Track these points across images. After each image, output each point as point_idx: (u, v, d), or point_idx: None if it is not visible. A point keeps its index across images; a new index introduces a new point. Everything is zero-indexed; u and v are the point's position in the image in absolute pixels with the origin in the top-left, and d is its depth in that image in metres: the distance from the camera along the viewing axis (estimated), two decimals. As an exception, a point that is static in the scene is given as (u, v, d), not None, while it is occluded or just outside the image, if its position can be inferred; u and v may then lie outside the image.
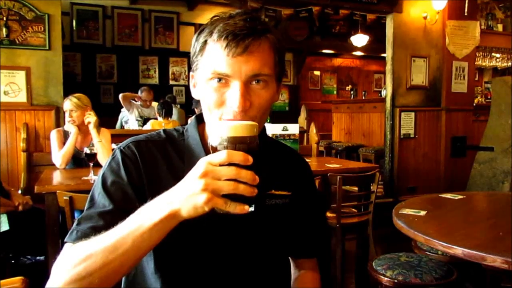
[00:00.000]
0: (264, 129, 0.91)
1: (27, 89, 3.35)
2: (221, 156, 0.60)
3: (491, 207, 2.11)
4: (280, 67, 0.80)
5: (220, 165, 0.61)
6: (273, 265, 0.91)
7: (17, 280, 0.92)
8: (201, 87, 0.79)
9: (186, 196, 0.61)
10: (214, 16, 0.78)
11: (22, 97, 3.35)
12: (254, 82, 0.75)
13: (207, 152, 0.83)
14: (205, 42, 0.76)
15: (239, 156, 0.60)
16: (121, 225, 0.65)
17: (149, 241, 0.64)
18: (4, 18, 3.28)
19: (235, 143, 0.64)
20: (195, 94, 0.84)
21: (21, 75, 3.34)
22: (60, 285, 0.66)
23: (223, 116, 0.76)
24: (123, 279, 0.88)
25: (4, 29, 3.27)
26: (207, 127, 0.85)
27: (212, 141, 0.66)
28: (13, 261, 2.44)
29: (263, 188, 0.87)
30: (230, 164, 0.61)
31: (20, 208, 2.48)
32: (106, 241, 0.65)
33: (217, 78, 0.75)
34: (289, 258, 1.00)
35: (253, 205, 0.65)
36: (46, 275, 2.29)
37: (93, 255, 0.65)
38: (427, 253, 2.11)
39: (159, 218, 0.63)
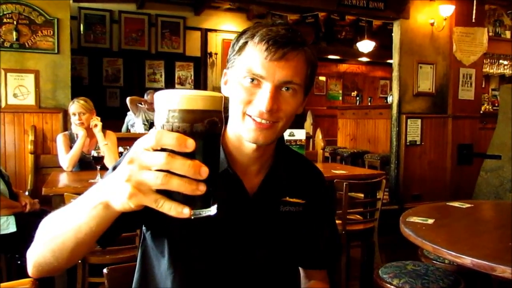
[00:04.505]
0: (282, 137, 0.92)
1: (35, 92, 3.38)
2: (149, 138, 0.46)
3: (500, 216, 2.08)
4: (309, 81, 0.83)
5: (154, 150, 0.46)
6: (283, 272, 0.91)
7: (27, 281, 0.92)
8: (233, 84, 0.81)
9: (112, 186, 0.51)
10: (257, 22, 0.83)
11: (30, 100, 3.38)
12: (284, 89, 0.78)
13: (225, 152, 0.84)
14: (246, 43, 0.79)
15: (170, 139, 0.45)
16: (73, 202, 0.62)
17: (86, 225, 0.58)
18: (14, 22, 3.32)
19: (187, 120, 0.47)
20: (225, 91, 0.86)
21: (30, 78, 3.37)
22: (32, 246, 0.68)
23: (247, 112, 0.78)
24: (134, 277, 0.88)
25: (14, 33, 3.31)
26: (229, 126, 0.86)
27: (158, 116, 0.49)
28: (19, 262, 2.45)
29: (278, 194, 0.88)
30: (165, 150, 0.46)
31: (28, 207, 2.50)
32: (57, 215, 0.65)
33: (251, 77, 0.78)
34: (299, 267, 1.00)
35: (212, 207, 0.49)
36: (53, 276, 2.27)
37: (47, 226, 0.66)
38: (434, 261, 2.10)
39: (93, 205, 0.55)
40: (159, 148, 0.46)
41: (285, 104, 0.78)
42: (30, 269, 0.69)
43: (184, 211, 0.47)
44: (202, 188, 0.46)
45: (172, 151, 0.46)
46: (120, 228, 0.74)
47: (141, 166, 0.47)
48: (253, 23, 0.83)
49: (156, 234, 0.84)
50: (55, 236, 0.63)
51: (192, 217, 0.48)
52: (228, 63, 0.84)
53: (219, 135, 0.51)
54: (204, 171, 0.46)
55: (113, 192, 0.51)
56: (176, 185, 0.46)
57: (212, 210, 0.49)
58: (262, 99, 0.76)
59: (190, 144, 0.45)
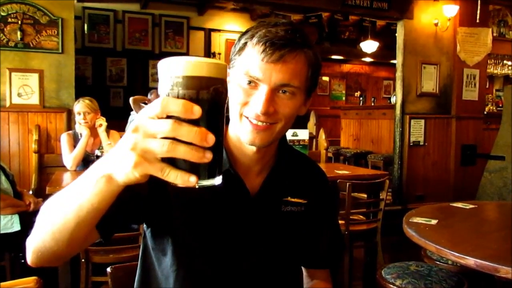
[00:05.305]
0: (284, 137, 0.92)
1: (39, 91, 3.40)
2: (154, 105, 0.46)
3: (503, 217, 2.07)
4: (311, 82, 0.82)
5: (159, 118, 0.46)
6: (285, 272, 0.91)
7: (31, 280, 0.92)
8: (233, 85, 0.81)
9: (116, 157, 0.50)
10: (261, 21, 0.81)
11: (34, 100, 3.40)
12: (281, 91, 0.77)
13: (227, 152, 0.85)
14: (245, 44, 0.79)
15: (176, 106, 0.45)
16: (73, 181, 0.60)
17: (87, 202, 0.56)
18: (19, 22, 3.34)
19: (193, 87, 0.46)
20: None
21: (34, 78, 3.39)
22: (32, 233, 0.66)
23: (244, 113, 0.78)
24: (136, 276, 0.89)
25: (18, 33, 3.33)
26: (230, 127, 0.85)
27: (163, 84, 0.48)
28: (23, 261, 2.46)
29: (280, 194, 0.88)
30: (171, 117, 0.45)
31: (32, 206, 2.52)
32: (58, 196, 0.62)
33: (248, 79, 0.77)
34: (302, 266, 1.01)
35: (217, 178, 0.49)
36: (56, 275, 2.29)
37: (47, 209, 0.64)
38: (437, 262, 2.09)
39: (95, 179, 0.53)
40: (164, 116, 0.45)
41: (283, 107, 0.77)
42: (30, 257, 0.66)
43: (191, 179, 0.46)
44: (208, 156, 0.45)
45: (178, 119, 0.45)
46: (122, 217, 0.72)
47: (146, 134, 0.46)
48: (257, 23, 0.82)
49: (157, 232, 0.84)
50: (56, 217, 0.61)
51: (197, 186, 0.47)
52: (230, 62, 0.83)
53: (223, 105, 0.50)
54: (211, 138, 0.45)
55: (116, 163, 0.49)
56: (182, 152, 0.45)
57: (217, 180, 0.49)
58: (258, 101, 0.75)
59: (196, 110, 0.44)
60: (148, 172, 0.47)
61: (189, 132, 0.44)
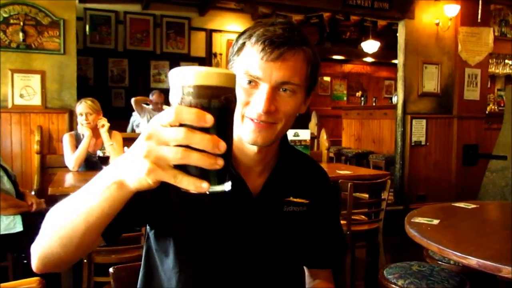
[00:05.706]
0: (285, 137, 0.92)
1: (41, 92, 3.41)
2: (168, 113, 0.47)
3: (505, 217, 2.07)
4: (311, 80, 0.82)
5: (172, 126, 0.47)
6: (287, 272, 0.91)
7: (33, 280, 0.93)
8: None
9: (128, 164, 0.51)
10: (258, 21, 0.82)
11: (36, 100, 3.41)
12: (282, 90, 0.77)
13: None
14: (244, 44, 0.79)
15: (190, 114, 0.46)
16: (82, 187, 0.60)
17: (98, 208, 0.57)
18: (21, 23, 3.35)
19: (205, 96, 0.47)
20: None
21: (36, 79, 3.40)
22: (37, 239, 0.66)
23: (245, 114, 0.78)
24: (139, 276, 0.89)
25: (20, 34, 3.34)
26: None
27: (175, 93, 0.49)
28: (25, 262, 2.46)
29: (281, 194, 0.88)
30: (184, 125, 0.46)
31: (34, 207, 2.52)
32: (66, 202, 0.62)
33: (248, 79, 0.77)
34: (304, 266, 1.01)
35: (226, 184, 0.50)
36: (59, 275, 2.28)
37: (55, 215, 0.63)
38: (439, 262, 2.09)
39: (105, 185, 0.55)
40: (177, 124, 0.47)
41: (284, 105, 0.77)
42: (35, 263, 0.66)
43: (203, 185, 0.47)
44: (220, 162, 0.47)
45: (190, 127, 0.46)
46: (126, 221, 0.72)
47: (160, 141, 0.47)
48: (254, 23, 0.82)
49: (160, 233, 0.84)
50: (64, 223, 0.61)
51: (208, 192, 0.48)
52: (229, 63, 0.83)
53: (233, 112, 0.51)
54: (222, 145, 0.47)
55: (129, 169, 0.51)
56: (195, 159, 0.46)
57: (227, 186, 0.50)
58: (259, 100, 0.75)
59: (209, 119, 0.46)
60: (162, 178, 0.48)
61: (201, 140, 0.46)
